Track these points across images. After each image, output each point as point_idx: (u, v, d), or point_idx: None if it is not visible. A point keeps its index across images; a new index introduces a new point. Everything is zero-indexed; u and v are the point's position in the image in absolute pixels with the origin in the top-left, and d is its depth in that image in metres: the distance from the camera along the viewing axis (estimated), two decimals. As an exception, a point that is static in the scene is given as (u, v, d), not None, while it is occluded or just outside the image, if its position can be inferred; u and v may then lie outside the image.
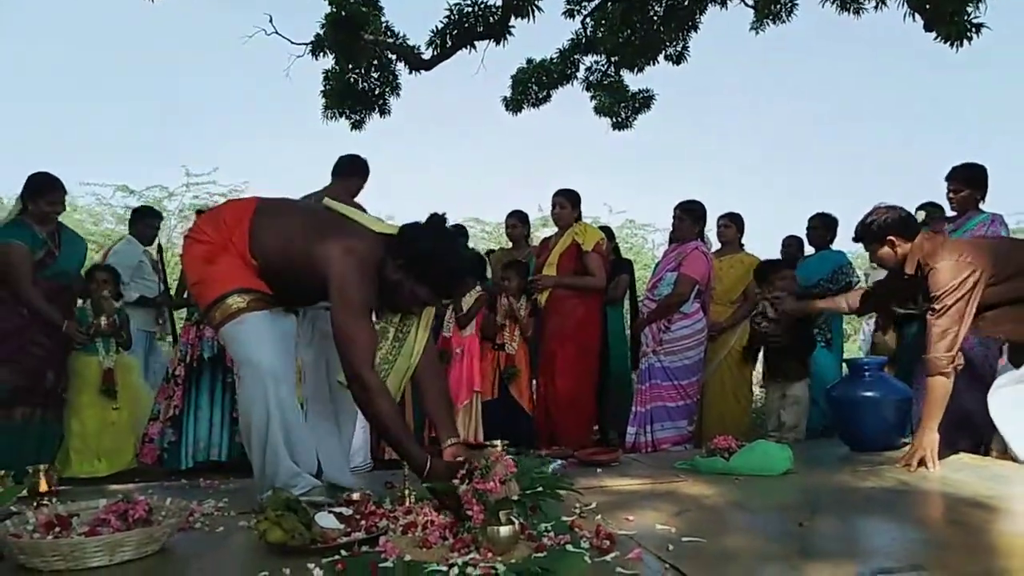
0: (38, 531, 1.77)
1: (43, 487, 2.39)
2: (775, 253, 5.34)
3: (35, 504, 2.46)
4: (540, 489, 1.91)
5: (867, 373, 3.27)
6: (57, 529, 1.78)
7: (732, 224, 4.84)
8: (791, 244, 5.37)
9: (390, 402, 2.17)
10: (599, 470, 2.92)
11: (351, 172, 3.99)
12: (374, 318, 2.31)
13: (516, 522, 1.76)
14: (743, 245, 4.89)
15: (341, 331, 2.11)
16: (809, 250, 5.22)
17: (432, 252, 2.19)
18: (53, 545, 1.66)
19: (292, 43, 6.95)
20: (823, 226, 5.04)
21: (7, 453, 3.24)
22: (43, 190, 3.58)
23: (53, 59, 17.57)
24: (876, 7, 6.58)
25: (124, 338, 3.71)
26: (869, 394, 3.20)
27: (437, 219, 2.28)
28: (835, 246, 5.11)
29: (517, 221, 5.21)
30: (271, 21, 7.02)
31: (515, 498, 1.79)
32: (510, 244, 5.37)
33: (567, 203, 4.43)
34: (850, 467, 2.91)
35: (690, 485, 2.63)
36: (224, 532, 2.07)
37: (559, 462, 2.85)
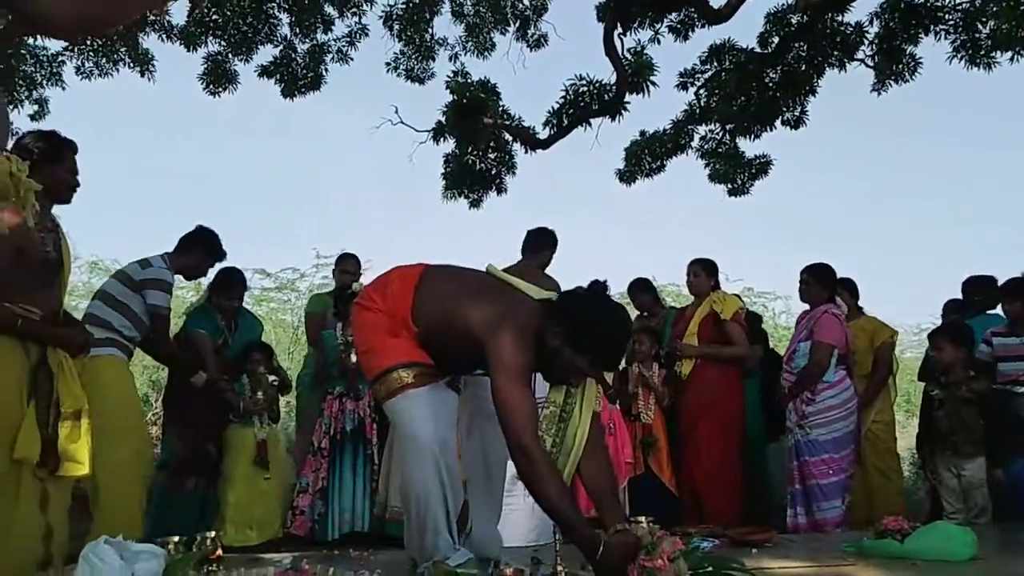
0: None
1: (217, 554, 2.50)
2: (902, 318, 4.97)
3: (205, 571, 2.58)
4: (710, 569, 1.82)
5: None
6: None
7: (844, 290, 4.53)
8: (951, 308, 4.95)
9: (556, 474, 2.09)
10: (754, 551, 2.75)
11: (542, 245, 4.25)
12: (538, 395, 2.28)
13: None
14: (861, 309, 4.60)
15: (501, 398, 2.07)
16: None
17: (591, 321, 2.14)
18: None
19: (416, 131, 7.43)
20: (976, 288, 4.67)
21: (176, 520, 3.47)
22: (224, 287, 4.15)
23: (200, 151, 19.54)
24: (1012, 59, 6.27)
25: (276, 412, 3.93)
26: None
27: (598, 287, 2.25)
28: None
29: (640, 291, 5.16)
30: (396, 112, 7.55)
31: (687, 577, 1.71)
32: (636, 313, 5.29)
33: (701, 271, 4.38)
34: (1049, 554, 2.60)
35: (862, 569, 2.42)
36: (385, 603, 2.07)
37: (711, 541, 2.70)
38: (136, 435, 3.47)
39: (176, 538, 2.66)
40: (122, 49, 7.08)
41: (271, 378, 3.93)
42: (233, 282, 4.16)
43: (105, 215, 15.76)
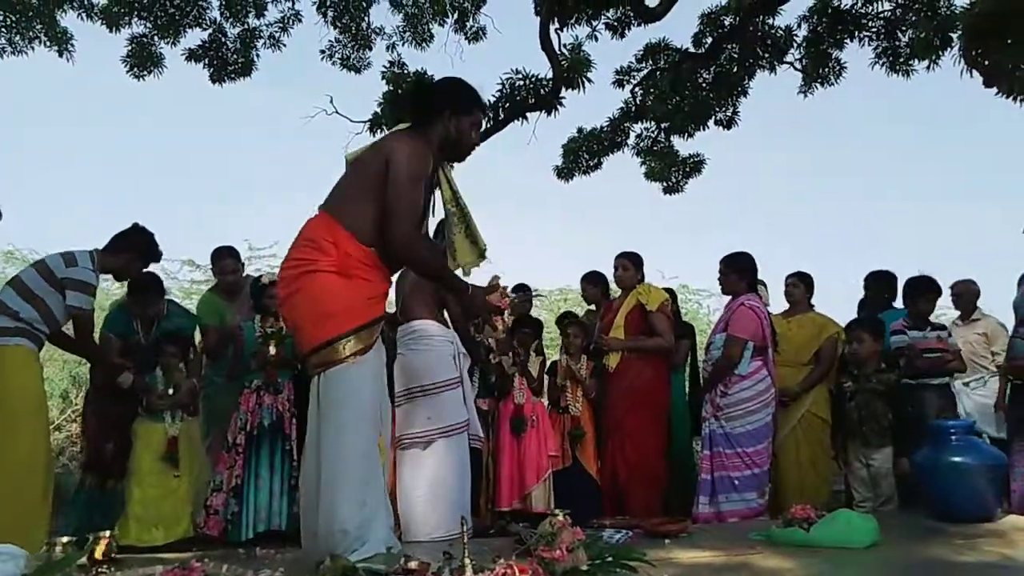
0: (97, 597, 1.74)
1: (98, 554, 2.40)
2: (839, 313, 5.12)
3: (93, 571, 2.46)
4: (609, 559, 1.81)
5: (954, 437, 3.06)
6: (115, 596, 1.75)
7: (800, 283, 4.65)
8: (862, 305, 5.14)
9: (430, 245, 2.59)
10: (667, 541, 2.77)
11: None
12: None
13: None
14: (812, 305, 4.72)
15: (400, 193, 2.33)
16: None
17: (449, 87, 2.56)
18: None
19: (351, 121, 7.25)
20: (877, 284, 4.84)
21: (102, 520, 3.39)
22: (134, 293, 3.96)
23: (127, 138, 18.86)
24: (928, 68, 6.53)
25: (190, 407, 3.77)
26: (958, 460, 2.99)
27: (421, 75, 2.59)
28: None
29: (589, 284, 5.12)
30: (332, 102, 7.37)
31: (584, 568, 1.70)
32: (585, 309, 5.26)
33: (630, 265, 4.42)
34: (943, 540, 2.69)
35: (767, 558, 2.46)
36: (281, 602, 2.00)
37: (625, 532, 2.71)
38: (35, 429, 3.28)
39: (66, 539, 2.55)
40: (38, 26, 6.73)
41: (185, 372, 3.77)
42: (143, 293, 3.93)
43: (21, 202, 15.00)
